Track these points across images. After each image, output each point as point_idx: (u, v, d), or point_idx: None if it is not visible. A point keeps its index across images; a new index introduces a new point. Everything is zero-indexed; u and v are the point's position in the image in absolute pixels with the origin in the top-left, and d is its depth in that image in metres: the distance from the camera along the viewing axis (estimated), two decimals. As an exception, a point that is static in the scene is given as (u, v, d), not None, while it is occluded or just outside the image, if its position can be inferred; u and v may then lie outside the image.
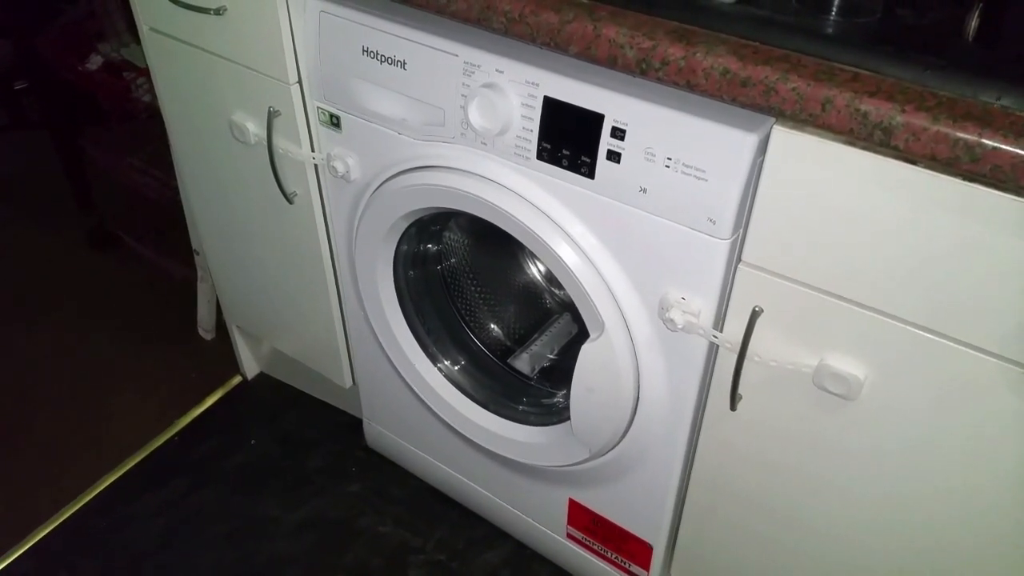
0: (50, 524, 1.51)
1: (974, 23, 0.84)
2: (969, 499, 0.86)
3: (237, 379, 1.81)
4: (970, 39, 0.84)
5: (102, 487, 1.58)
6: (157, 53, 1.31)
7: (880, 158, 0.73)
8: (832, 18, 0.83)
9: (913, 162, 0.72)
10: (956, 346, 0.78)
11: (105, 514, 1.53)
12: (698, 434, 1.05)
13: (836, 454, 0.93)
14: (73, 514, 1.53)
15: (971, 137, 0.66)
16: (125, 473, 1.61)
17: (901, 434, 0.86)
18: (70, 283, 2.09)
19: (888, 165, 0.73)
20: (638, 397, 1.03)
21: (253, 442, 1.67)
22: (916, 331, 0.79)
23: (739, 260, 0.87)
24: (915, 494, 0.89)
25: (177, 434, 1.69)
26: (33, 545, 1.48)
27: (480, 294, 1.38)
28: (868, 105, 0.70)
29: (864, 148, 0.74)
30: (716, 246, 0.86)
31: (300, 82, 1.14)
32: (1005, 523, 0.85)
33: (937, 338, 0.78)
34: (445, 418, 1.31)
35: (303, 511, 1.53)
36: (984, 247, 0.71)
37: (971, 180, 0.69)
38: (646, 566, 1.25)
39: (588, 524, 1.29)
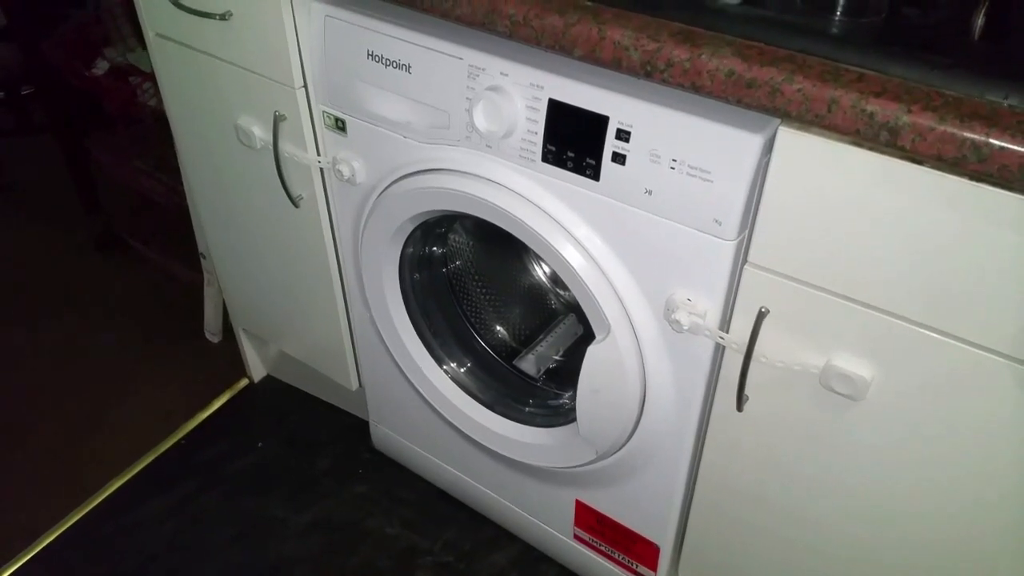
0: (58, 529, 1.51)
1: (980, 22, 0.83)
2: (976, 498, 0.85)
3: (244, 382, 1.81)
4: (976, 38, 0.84)
5: (110, 491, 1.58)
6: (163, 58, 1.32)
7: (886, 158, 0.73)
8: (837, 18, 0.83)
9: (920, 162, 0.72)
10: (963, 346, 0.77)
11: (113, 518, 1.54)
12: (705, 435, 1.05)
13: (843, 454, 0.92)
14: (81, 518, 1.53)
15: (978, 137, 0.66)
16: (133, 477, 1.61)
17: (908, 434, 0.86)
18: (77, 286, 2.10)
19: (894, 165, 0.73)
20: (644, 398, 1.03)
21: (260, 444, 1.67)
22: (923, 331, 0.79)
23: (745, 261, 0.87)
24: (922, 493, 0.89)
25: (184, 437, 1.69)
26: (41, 550, 1.48)
27: (485, 296, 1.38)
28: (874, 105, 0.70)
29: (870, 149, 0.74)
30: (722, 247, 0.86)
31: (306, 86, 1.14)
32: (1012, 520, 0.85)
33: (944, 338, 0.78)
34: (451, 420, 1.31)
35: (311, 513, 1.53)
36: (991, 247, 0.71)
37: (978, 180, 0.69)
38: (653, 567, 1.25)
39: (595, 525, 1.29)
